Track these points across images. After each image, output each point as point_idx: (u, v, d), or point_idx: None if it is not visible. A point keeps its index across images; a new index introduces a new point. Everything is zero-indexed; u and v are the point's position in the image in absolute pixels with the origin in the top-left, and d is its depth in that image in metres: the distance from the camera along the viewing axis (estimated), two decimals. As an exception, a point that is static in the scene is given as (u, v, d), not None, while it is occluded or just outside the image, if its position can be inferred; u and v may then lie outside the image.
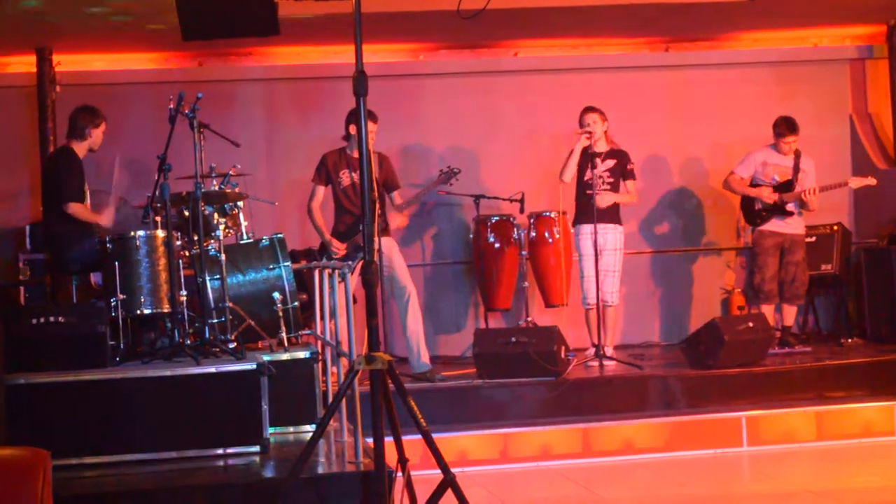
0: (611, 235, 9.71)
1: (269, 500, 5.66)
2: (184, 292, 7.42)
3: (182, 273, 7.60)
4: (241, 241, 8.15)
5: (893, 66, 11.55)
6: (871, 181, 10.06)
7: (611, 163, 9.73)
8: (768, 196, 10.02)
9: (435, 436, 5.08)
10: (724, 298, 11.62)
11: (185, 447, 6.48)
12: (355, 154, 9.11)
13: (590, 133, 9.56)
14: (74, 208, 8.00)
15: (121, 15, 9.39)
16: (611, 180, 9.72)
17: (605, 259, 9.65)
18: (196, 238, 7.59)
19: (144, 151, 9.18)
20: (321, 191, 9.37)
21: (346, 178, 9.23)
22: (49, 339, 6.85)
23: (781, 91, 11.71)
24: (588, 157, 9.60)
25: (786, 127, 10.04)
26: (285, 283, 8.02)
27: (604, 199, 9.62)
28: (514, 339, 8.92)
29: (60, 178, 8.07)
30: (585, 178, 9.69)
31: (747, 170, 10.18)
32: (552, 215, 10.25)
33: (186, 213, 7.74)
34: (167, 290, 7.41)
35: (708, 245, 11.76)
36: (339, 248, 9.16)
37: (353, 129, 9.12)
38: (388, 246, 9.21)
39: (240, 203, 8.13)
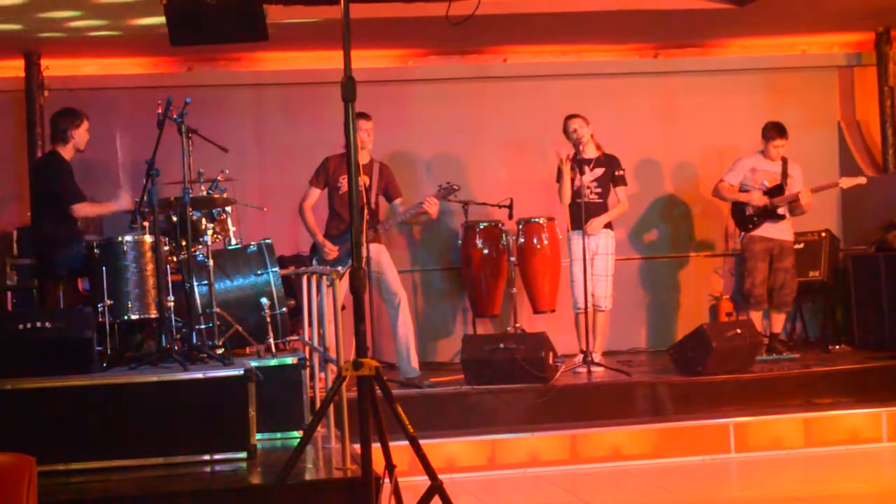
0: (602, 240, 9.68)
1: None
2: (171, 298, 7.42)
3: (170, 278, 7.60)
4: (229, 247, 8.14)
5: (881, 73, 11.61)
6: (862, 180, 10.08)
7: (599, 171, 9.69)
8: (758, 199, 10.02)
9: (422, 442, 5.07)
10: (712, 305, 11.63)
11: (171, 453, 6.46)
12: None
13: (568, 157, 9.55)
14: (81, 209, 7.98)
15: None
16: (598, 190, 9.69)
17: (598, 263, 9.63)
18: (184, 243, 7.59)
19: (132, 156, 9.17)
20: (316, 193, 9.37)
21: (345, 184, 9.21)
22: (36, 344, 6.82)
23: (770, 98, 11.74)
24: (577, 164, 9.59)
25: (776, 131, 10.05)
26: (273, 288, 8.02)
27: (595, 228, 9.60)
28: (502, 346, 8.91)
29: (54, 185, 8.01)
30: (575, 186, 9.67)
31: (736, 177, 10.18)
32: (540, 221, 10.25)
33: (174, 219, 7.74)
34: (155, 296, 7.40)
35: (696, 251, 11.77)
36: (332, 250, 9.14)
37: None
38: (378, 252, 9.22)
39: (228, 208, 8.12)
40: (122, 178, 8.46)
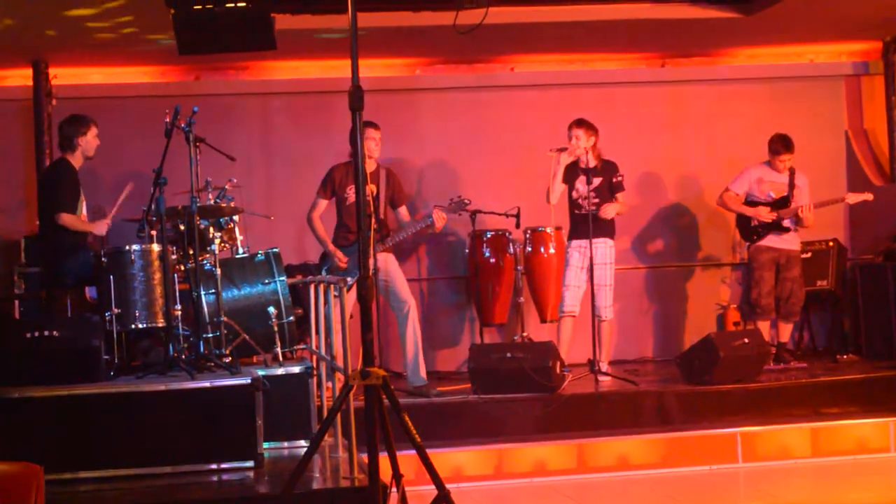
0: (600, 249, 9.52)
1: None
2: (179, 307, 7.42)
3: (177, 287, 7.59)
4: (237, 256, 8.15)
5: (889, 82, 11.60)
6: (868, 196, 10.06)
7: (597, 181, 9.57)
8: (767, 215, 10.00)
9: (430, 451, 5.06)
10: (720, 314, 11.61)
11: (179, 462, 6.47)
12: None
13: (564, 149, 9.49)
14: (65, 219, 7.98)
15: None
16: (596, 200, 9.55)
17: (597, 273, 9.53)
18: (191, 252, 7.59)
19: (140, 165, 9.16)
20: (324, 204, 9.34)
21: (352, 194, 9.18)
22: (44, 353, 6.83)
23: (777, 107, 11.73)
24: (575, 173, 9.55)
25: (782, 145, 10.03)
26: (280, 297, 8.02)
27: (608, 211, 9.55)
28: (509, 355, 8.90)
29: (53, 190, 8.06)
30: (574, 196, 9.63)
31: (742, 186, 10.17)
32: (548, 230, 10.25)
33: (182, 228, 7.74)
34: (162, 305, 7.41)
35: (703, 261, 11.75)
36: (342, 259, 9.12)
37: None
38: (386, 260, 9.19)
39: (235, 217, 8.13)
40: (127, 190, 8.41)
